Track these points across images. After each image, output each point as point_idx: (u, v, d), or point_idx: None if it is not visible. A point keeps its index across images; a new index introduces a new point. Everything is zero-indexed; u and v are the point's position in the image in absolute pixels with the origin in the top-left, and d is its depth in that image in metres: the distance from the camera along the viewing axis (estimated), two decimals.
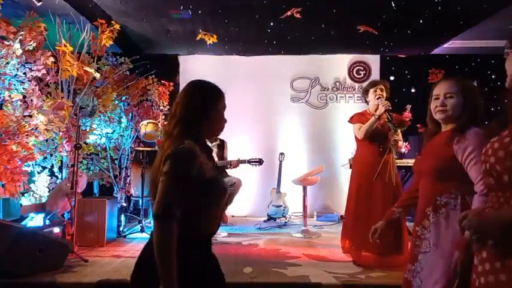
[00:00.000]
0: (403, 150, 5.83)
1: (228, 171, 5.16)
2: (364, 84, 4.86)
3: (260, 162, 4.73)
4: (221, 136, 5.11)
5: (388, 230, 1.98)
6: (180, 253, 1.33)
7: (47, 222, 4.09)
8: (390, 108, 3.37)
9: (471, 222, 1.23)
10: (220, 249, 4.04)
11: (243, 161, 4.72)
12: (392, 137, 3.48)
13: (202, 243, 1.47)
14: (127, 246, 4.08)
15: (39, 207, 4.25)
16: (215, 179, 1.47)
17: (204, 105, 1.47)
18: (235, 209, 5.60)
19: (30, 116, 3.92)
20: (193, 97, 1.48)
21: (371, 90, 3.54)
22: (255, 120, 6.14)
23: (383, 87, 3.53)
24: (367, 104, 3.67)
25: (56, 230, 3.82)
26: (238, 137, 5.78)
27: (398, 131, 3.51)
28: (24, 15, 4.12)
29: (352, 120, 3.63)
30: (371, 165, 3.46)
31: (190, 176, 1.37)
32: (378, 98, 3.46)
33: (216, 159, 4.88)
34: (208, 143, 5.70)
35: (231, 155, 5.18)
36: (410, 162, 4.85)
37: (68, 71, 4.24)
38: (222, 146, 5.09)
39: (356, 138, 3.63)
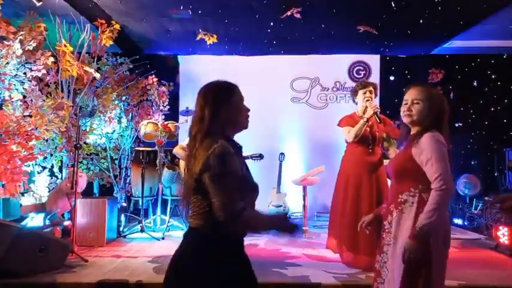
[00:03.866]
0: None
1: None
2: None
3: (261, 156, 4.75)
4: None
5: (375, 225, 2.09)
6: (212, 252, 1.42)
7: (47, 222, 4.09)
8: (378, 110, 3.40)
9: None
10: None
11: (246, 157, 4.74)
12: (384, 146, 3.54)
13: (234, 242, 1.52)
14: (127, 246, 4.07)
15: (39, 207, 4.25)
16: (247, 176, 1.56)
17: (216, 104, 1.53)
18: None
19: (30, 116, 3.92)
20: (205, 99, 1.54)
21: (360, 92, 3.54)
22: (255, 121, 6.04)
23: (372, 89, 3.53)
24: (356, 104, 3.67)
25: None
26: (237, 137, 5.76)
27: (392, 148, 3.54)
28: (24, 15, 4.11)
29: (340, 123, 3.64)
30: (359, 165, 3.48)
31: (238, 170, 1.46)
32: (366, 100, 3.46)
33: None
34: None
35: None
36: None
37: (68, 71, 4.24)
38: None
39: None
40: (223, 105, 1.54)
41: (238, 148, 1.62)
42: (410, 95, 1.92)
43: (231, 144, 1.53)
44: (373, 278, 2.03)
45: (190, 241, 1.50)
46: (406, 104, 1.92)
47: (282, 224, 1.53)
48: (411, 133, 1.95)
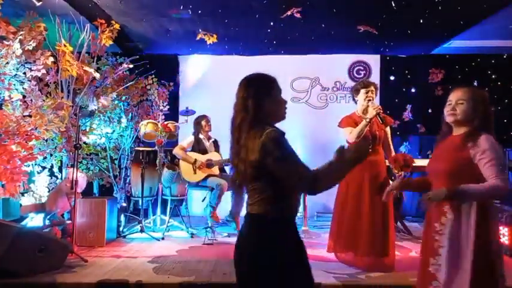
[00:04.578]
0: (404, 150, 5.83)
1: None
2: None
3: None
4: (215, 136, 5.14)
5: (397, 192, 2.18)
6: (278, 237, 1.50)
7: (47, 222, 4.09)
8: (381, 111, 3.39)
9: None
10: (221, 249, 4.03)
11: None
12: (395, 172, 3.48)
13: (288, 224, 1.59)
14: (127, 247, 4.06)
15: (39, 207, 4.25)
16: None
17: (258, 96, 1.58)
18: None
19: (30, 116, 3.92)
20: (247, 90, 1.59)
21: (362, 91, 3.52)
22: None
23: (373, 89, 3.53)
24: (355, 103, 3.66)
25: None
26: None
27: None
28: (24, 15, 4.11)
29: (341, 124, 3.63)
30: (360, 165, 3.46)
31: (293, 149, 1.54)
32: (368, 100, 3.46)
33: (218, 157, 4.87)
34: (206, 142, 5.58)
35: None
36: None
37: (68, 70, 4.23)
38: (217, 144, 5.08)
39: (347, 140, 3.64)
40: (264, 97, 1.59)
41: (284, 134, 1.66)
42: (455, 96, 1.97)
43: None
44: (420, 280, 2.01)
45: (256, 228, 1.55)
46: (450, 104, 1.97)
47: (352, 160, 1.59)
48: (453, 133, 2.00)
